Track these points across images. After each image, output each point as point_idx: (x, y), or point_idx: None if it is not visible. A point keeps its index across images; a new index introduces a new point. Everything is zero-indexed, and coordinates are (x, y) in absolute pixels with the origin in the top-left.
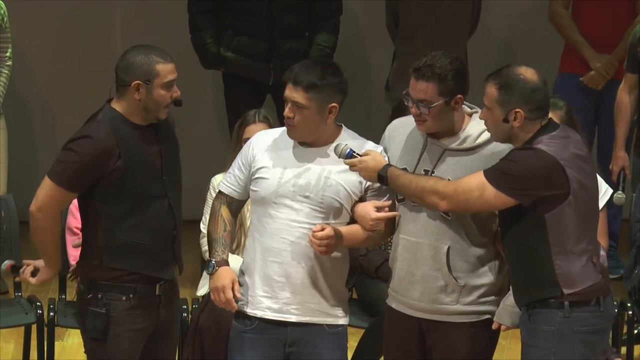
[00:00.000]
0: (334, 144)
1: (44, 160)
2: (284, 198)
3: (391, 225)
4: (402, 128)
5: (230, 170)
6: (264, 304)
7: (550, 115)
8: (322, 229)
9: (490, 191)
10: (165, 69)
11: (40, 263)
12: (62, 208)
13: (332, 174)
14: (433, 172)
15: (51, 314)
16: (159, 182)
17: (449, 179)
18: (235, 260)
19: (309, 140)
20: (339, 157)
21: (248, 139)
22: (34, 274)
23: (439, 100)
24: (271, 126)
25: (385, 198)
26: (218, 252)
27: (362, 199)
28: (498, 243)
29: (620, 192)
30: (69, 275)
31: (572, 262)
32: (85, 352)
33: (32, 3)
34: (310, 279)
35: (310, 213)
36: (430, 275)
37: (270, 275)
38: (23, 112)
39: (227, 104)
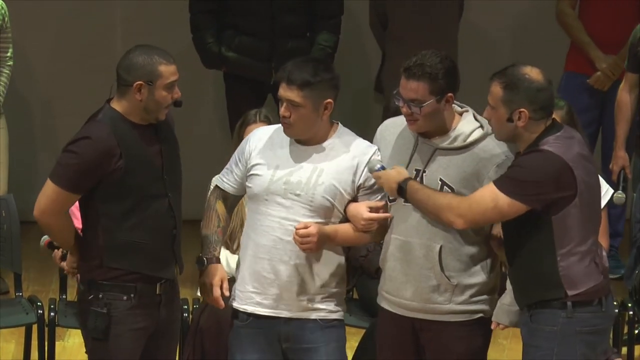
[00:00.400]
0: (329, 141)
1: (45, 160)
2: (275, 195)
3: (384, 226)
4: (392, 128)
5: (227, 165)
6: (254, 300)
7: None
8: (305, 227)
9: (504, 200)
10: (168, 70)
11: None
12: (66, 209)
13: (324, 172)
14: (424, 171)
15: (52, 314)
16: (160, 182)
17: (440, 178)
18: (234, 261)
19: (305, 138)
20: (370, 172)
21: None
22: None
23: (430, 99)
24: None
25: (376, 197)
26: (209, 249)
27: (355, 199)
28: (492, 242)
29: (620, 191)
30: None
31: (576, 264)
32: (86, 352)
33: (32, 3)
34: (299, 275)
35: (300, 211)
36: (422, 274)
37: (260, 272)
38: (23, 112)
39: (228, 103)
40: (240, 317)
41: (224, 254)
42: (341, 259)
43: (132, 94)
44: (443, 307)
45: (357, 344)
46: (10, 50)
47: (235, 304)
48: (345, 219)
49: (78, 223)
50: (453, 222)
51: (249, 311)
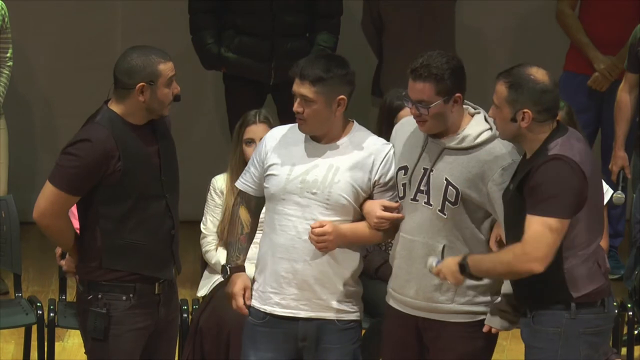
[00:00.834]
0: (344, 139)
1: (45, 160)
2: (291, 195)
3: (397, 225)
4: (407, 126)
5: (246, 168)
6: (273, 300)
7: None
8: (321, 225)
9: (554, 223)
10: (167, 68)
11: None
12: (66, 212)
13: (340, 170)
14: (431, 170)
15: (51, 314)
16: (157, 182)
17: (446, 178)
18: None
19: (320, 134)
20: (430, 271)
21: (249, 139)
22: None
23: (437, 100)
24: (272, 126)
25: (390, 194)
26: (232, 257)
27: (371, 196)
28: (491, 244)
29: (619, 192)
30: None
31: (580, 265)
32: (85, 352)
33: (32, 3)
34: (317, 275)
35: (317, 210)
36: (425, 273)
37: (278, 272)
38: (23, 112)
39: (228, 104)
40: (256, 315)
41: (223, 255)
42: (358, 257)
43: (135, 96)
44: (445, 307)
45: None
46: (10, 50)
47: (254, 303)
48: (362, 217)
49: (77, 223)
50: (532, 269)
51: (268, 311)
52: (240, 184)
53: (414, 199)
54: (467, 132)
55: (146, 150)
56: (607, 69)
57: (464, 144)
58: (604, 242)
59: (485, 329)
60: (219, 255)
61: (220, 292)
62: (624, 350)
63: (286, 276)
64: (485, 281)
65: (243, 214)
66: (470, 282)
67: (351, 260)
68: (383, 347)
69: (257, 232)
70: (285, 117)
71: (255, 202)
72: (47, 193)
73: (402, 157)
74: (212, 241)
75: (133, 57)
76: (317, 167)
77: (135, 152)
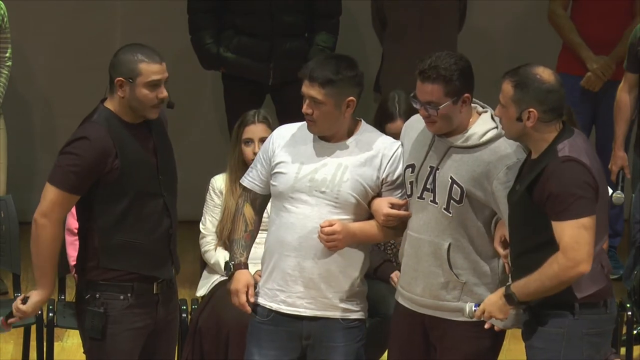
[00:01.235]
0: (353, 138)
1: (44, 160)
2: (300, 193)
3: (405, 223)
4: (416, 124)
5: (252, 165)
6: (279, 298)
7: None
8: (330, 224)
9: (586, 221)
10: (149, 69)
11: (30, 294)
12: (67, 213)
13: (348, 169)
14: (438, 168)
15: (50, 314)
16: (155, 181)
17: (451, 176)
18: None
19: (328, 134)
20: (471, 317)
21: (247, 139)
22: (25, 302)
23: (446, 101)
24: (271, 126)
25: (398, 193)
26: (236, 255)
27: (379, 194)
28: (495, 244)
29: (619, 191)
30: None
31: None
32: (84, 352)
33: (31, 3)
34: (323, 273)
35: (326, 208)
36: (431, 271)
37: (285, 269)
38: (23, 112)
39: (227, 104)
40: (261, 313)
41: (223, 255)
42: (365, 256)
43: (116, 91)
44: (451, 305)
45: None
46: (9, 50)
47: (260, 301)
48: (370, 215)
49: (76, 223)
50: (581, 272)
51: (273, 308)
52: (245, 181)
53: (421, 197)
54: (472, 131)
55: (142, 149)
56: (600, 69)
57: (469, 143)
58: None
59: (487, 326)
60: (218, 255)
61: (220, 292)
62: (622, 350)
63: (292, 274)
64: (493, 280)
65: (247, 212)
66: (476, 280)
67: (358, 259)
68: (390, 343)
69: (260, 231)
70: (284, 117)
71: (260, 200)
72: (49, 194)
73: (410, 155)
74: (211, 241)
75: (122, 52)
76: (326, 166)
77: (132, 150)
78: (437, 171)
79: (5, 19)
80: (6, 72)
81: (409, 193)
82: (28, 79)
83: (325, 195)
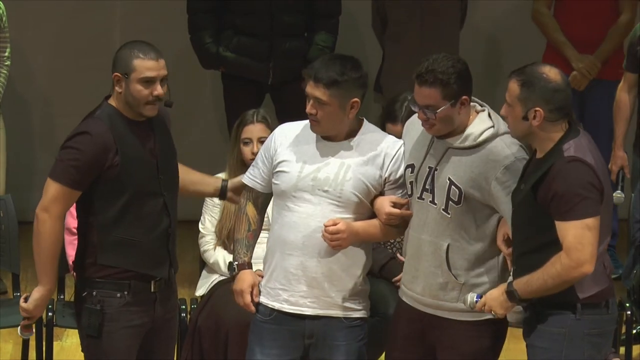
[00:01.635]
0: (356, 137)
1: (43, 160)
2: (303, 192)
3: (408, 222)
4: (417, 124)
5: (253, 163)
6: (281, 297)
7: None
8: (334, 224)
9: (590, 222)
10: (143, 65)
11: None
12: (67, 208)
13: (351, 168)
14: (436, 169)
15: (50, 314)
16: (155, 180)
17: (449, 177)
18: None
19: (332, 134)
20: (472, 308)
21: (246, 139)
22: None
23: (444, 104)
24: (270, 126)
25: (401, 192)
26: (240, 254)
27: (382, 193)
28: (498, 242)
29: (619, 191)
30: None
31: None
32: (82, 350)
33: (31, 2)
34: (327, 272)
35: (328, 207)
36: (431, 271)
37: (287, 268)
38: (22, 112)
39: (226, 103)
40: (263, 312)
41: (222, 255)
42: (368, 254)
43: (114, 86)
44: (451, 305)
45: None
46: (8, 50)
47: (262, 300)
48: (373, 214)
49: (76, 223)
50: (584, 272)
51: (276, 307)
52: (247, 179)
53: (420, 197)
54: (470, 131)
55: (143, 147)
56: (585, 68)
57: (467, 143)
58: None
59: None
60: (217, 255)
61: (219, 292)
62: (622, 350)
63: (295, 273)
64: (492, 280)
65: (250, 211)
66: (475, 281)
67: (360, 258)
68: (390, 341)
69: (262, 231)
70: (283, 116)
71: (262, 199)
72: (50, 190)
73: (410, 155)
74: (210, 241)
75: (122, 47)
76: (329, 165)
77: (132, 148)
78: (436, 172)
79: (5, 19)
80: (5, 72)
81: (409, 193)
82: (27, 78)
83: (328, 194)
